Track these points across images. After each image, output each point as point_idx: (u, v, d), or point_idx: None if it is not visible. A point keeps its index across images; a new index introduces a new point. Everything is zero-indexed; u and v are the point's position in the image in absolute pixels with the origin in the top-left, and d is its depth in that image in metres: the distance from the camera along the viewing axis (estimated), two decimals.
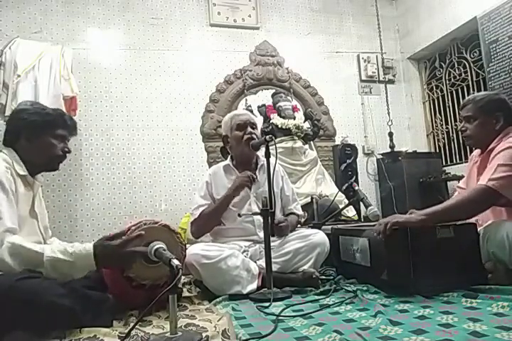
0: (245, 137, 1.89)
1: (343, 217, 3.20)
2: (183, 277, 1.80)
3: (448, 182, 3.66)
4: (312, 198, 3.16)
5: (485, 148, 1.72)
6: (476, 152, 1.85)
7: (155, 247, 1.23)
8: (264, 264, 1.62)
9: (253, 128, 1.93)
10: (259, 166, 1.98)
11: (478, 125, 1.72)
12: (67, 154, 1.49)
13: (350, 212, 3.30)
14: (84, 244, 1.25)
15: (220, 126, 3.62)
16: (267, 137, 1.70)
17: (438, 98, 4.24)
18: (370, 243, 1.59)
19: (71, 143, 3.40)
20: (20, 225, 1.29)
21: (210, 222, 1.89)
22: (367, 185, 4.06)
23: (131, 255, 1.23)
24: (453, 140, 4.03)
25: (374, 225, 1.77)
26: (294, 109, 3.59)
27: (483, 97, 1.74)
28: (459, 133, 3.89)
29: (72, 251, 1.19)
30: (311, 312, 1.29)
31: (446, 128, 4.13)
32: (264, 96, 3.83)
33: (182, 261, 1.46)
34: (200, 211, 1.87)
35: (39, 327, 1.09)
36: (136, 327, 1.11)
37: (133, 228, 1.37)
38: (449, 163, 4.06)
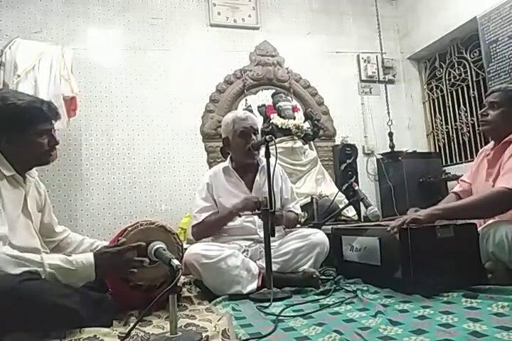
0: (248, 146, 1.88)
1: (343, 217, 3.20)
2: (182, 277, 1.79)
3: (448, 182, 3.66)
4: (312, 198, 3.17)
5: (500, 139, 1.70)
6: (488, 146, 1.82)
7: (155, 247, 1.23)
8: (264, 264, 1.62)
9: (255, 134, 1.92)
10: (259, 168, 1.97)
11: (501, 113, 1.70)
12: (57, 145, 1.40)
13: (350, 212, 3.30)
14: (83, 254, 1.24)
15: (220, 126, 3.62)
16: (267, 137, 1.70)
17: (438, 98, 4.24)
18: (381, 242, 1.59)
19: (71, 143, 3.44)
20: (13, 227, 1.25)
21: (211, 230, 1.91)
22: (367, 185, 4.06)
23: (129, 264, 1.23)
24: (453, 140, 4.03)
25: (375, 225, 1.77)
26: (294, 109, 3.58)
27: None
28: (459, 131, 3.92)
29: (73, 260, 1.18)
30: (311, 312, 1.29)
31: (446, 128, 4.13)
32: (264, 96, 3.83)
33: (179, 261, 1.46)
34: (203, 216, 1.87)
35: (40, 328, 1.09)
36: (136, 327, 1.11)
37: (129, 229, 1.37)
38: (448, 163, 4.06)
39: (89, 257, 1.20)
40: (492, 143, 1.79)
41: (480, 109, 1.86)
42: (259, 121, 2.05)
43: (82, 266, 1.17)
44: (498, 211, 1.55)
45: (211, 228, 1.89)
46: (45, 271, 1.12)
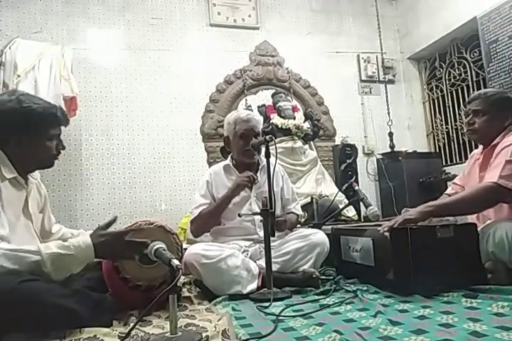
0: (246, 148, 1.89)
1: (343, 217, 3.20)
2: (182, 277, 1.80)
3: (448, 182, 3.66)
4: (312, 198, 3.17)
5: (488, 143, 1.72)
6: (478, 150, 1.85)
7: (155, 247, 1.23)
8: (264, 264, 1.62)
9: (256, 137, 1.91)
10: (260, 167, 1.98)
11: (486, 120, 1.72)
12: (63, 150, 1.44)
13: (350, 212, 3.30)
14: (78, 237, 1.23)
15: (220, 126, 3.64)
16: (267, 137, 1.70)
17: (438, 98, 4.24)
18: (375, 242, 1.59)
19: (71, 143, 3.44)
20: (12, 229, 1.25)
21: (209, 221, 1.89)
22: (367, 185, 4.06)
23: (131, 245, 1.22)
24: (453, 140, 4.03)
25: (375, 225, 1.77)
26: (294, 109, 3.59)
27: (494, 93, 1.75)
28: (459, 131, 3.92)
29: (70, 244, 1.17)
30: (311, 312, 1.29)
31: (446, 128, 4.13)
32: (264, 96, 3.83)
33: (179, 261, 1.46)
34: (199, 210, 1.87)
35: (40, 328, 1.10)
36: (136, 327, 1.11)
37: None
38: (448, 163, 4.07)
39: (86, 239, 1.19)
40: (481, 147, 1.82)
41: None
42: (260, 120, 2.01)
43: (80, 249, 1.17)
44: (487, 205, 1.58)
45: (209, 218, 1.87)
46: (43, 261, 1.12)
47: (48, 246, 1.16)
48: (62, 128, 1.46)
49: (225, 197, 1.83)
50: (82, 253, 1.17)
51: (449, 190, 1.99)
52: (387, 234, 1.48)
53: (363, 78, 4.28)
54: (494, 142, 1.69)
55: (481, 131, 1.75)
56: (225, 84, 3.82)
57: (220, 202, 1.85)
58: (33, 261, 1.12)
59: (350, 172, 3.70)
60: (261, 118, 2.03)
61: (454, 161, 4.00)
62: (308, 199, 3.17)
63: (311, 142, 3.77)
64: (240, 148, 1.91)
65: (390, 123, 4.00)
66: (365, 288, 1.57)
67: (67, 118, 1.46)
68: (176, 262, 1.12)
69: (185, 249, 1.65)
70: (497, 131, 1.70)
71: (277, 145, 1.89)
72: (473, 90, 3.71)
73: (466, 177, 1.90)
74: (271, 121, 3.44)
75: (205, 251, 1.64)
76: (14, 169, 1.32)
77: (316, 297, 1.53)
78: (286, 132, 3.41)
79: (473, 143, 3.73)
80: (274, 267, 1.68)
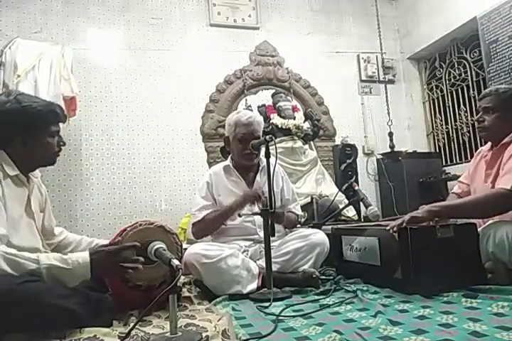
0: (245, 152, 1.90)
1: (343, 217, 3.20)
2: (182, 277, 1.80)
3: (448, 182, 3.66)
4: (312, 198, 3.17)
5: (498, 141, 1.70)
6: (486, 147, 1.82)
7: (155, 247, 1.23)
8: (264, 264, 1.62)
9: (256, 140, 1.89)
10: (260, 168, 1.98)
11: (497, 117, 1.69)
12: (64, 146, 1.45)
13: (350, 212, 3.30)
14: (79, 253, 1.24)
15: (220, 126, 3.64)
16: (267, 137, 1.70)
17: (438, 98, 4.24)
18: (381, 242, 1.59)
19: (71, 143, 3.44)
20: (15, 227, 1.26)
21: (211, 227, 1.90)
22: (367, 185, 4.06)
23: (125, 262, 1.22)
24: (453, 140, 4.03)
25: (375, 225, 1.78)
26: (294, 109, 3.59)
27: (506, 90, 1.71)
28: (459, 131, 3.92)
29: (68, 258, 1.17)
30: (311, 312, 1.29)
31: (446, 128, 4.13)
32: (264, 96, 3.83)
33: (179, 261, 1.46)
34: (202, 214, 1.87)
35: (40, 329, 1.10)
36: (136, 327, 1.11)
37: (128, 229, 1.37)
38: (448, 163, 4.06)
39: (84, 256, 1.20)
40: (489, 144, 1.79)
41: None
42: (261, 121, 1.99)
43: (78, 265, 1.17)
44: (496, 212, 1.56)
45: (211, 225, 1.88)
46: (41, 270, 1.12)
47: (48, 257, 1.17)
48: (62, 127, 1.47)
49: (228, 208, 1.81)
50: (78, 269, 1.17)
51: (455, 189, 1.96)
52: (395, 233, 1.48)
53: (363, 78, 4.27)
54: (504, 141, 1.66)
55: (491, 129, 1.71)
56: (225, 84, 3.82)
57: (223, 212, 1.84)
58: (30, 269, 1.12)
59: (350, 172, 3.70)
60: (262, 121, 2.02)
61: (454, 161, 4.00)
62: (308, 199, 3.17)
63: (311, 142, 3.77)
64: (239, 151, 1.92)
65: (390, 123, 4.00)
66: (365, 288, 1.57)
67: (65, 114, 1.48)
68: (176, 262, 1.12)
69: (185, 249, 1.65)
70: (508, 129, 1.67)
71: (277, 145, 1.89)
72: (474, 90, 3.72)
73: (471, 174, 1.87)
74: (271, 121, 3.44)
75: (205, 251, 1.65)
76: (16, 167, 1.33)
77: (316, 297, 1.54)
78: (286, 132, 3.40)
79: (473, 143, 3.74)
80: (274, 267, 1.68)
